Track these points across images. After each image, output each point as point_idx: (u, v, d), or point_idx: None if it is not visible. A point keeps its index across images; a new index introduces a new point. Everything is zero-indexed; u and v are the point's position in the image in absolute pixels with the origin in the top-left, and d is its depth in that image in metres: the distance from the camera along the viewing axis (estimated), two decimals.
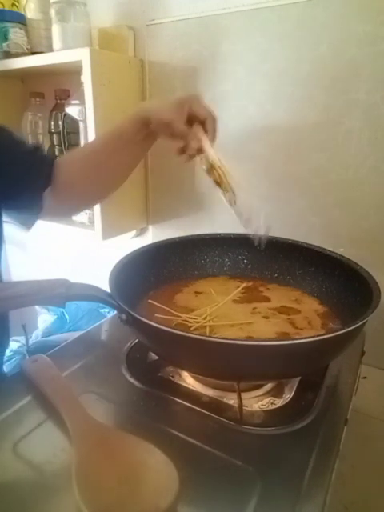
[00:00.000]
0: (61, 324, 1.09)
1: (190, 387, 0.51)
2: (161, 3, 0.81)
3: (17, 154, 0.57)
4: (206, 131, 0.54)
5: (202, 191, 0.87)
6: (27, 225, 0.64)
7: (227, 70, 0.76)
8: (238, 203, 0.53)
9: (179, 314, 0.55)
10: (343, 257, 0.58)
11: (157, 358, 0.55)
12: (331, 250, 0.60)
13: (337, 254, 0.59)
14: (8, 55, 0.87)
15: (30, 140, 0.96)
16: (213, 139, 0.55)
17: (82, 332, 0.65)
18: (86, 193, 0.64)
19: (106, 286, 0.47)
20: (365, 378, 0.70)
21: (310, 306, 0.59)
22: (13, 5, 0.89)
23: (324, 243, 0.62)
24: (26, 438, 0.42)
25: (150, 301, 0.58)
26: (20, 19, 0.86)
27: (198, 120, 0.53)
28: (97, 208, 0.84)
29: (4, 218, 0.60)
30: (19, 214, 0.62)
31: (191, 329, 0.52)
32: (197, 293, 0.62)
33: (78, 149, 0.65)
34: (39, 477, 0.38)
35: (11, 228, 0.63)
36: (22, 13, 0.87)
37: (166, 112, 0.52)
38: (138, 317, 0.43)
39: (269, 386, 0.51)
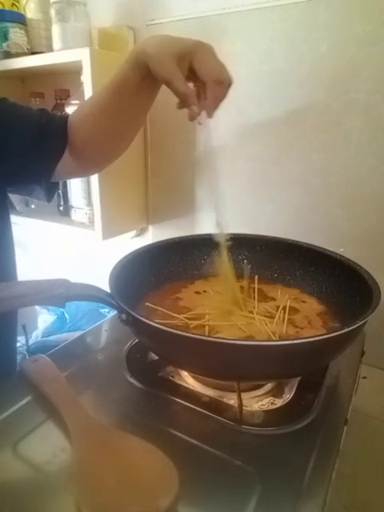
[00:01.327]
0: (61, 324, 1.09)
1: (190, 387, 0.51)
2: (161, 3, 0.81)
3: (26, 124, 0.54)
4: (205, 98, 0.46)
5: (202, 191, 0.87)
6: (48, 196, 0.62)
7: None
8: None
9: (177, 315, 0.55)
10: (343, 257, 0.58)
11: (157, 358, 0.55)
12: (331, 249, 0.60)
13: (337, 254, 0.59)
14: (8, 55, 0.87)
15: None
16: (211, 108, 0.47)
17: (82, 332, 0.65)
18: (104, 149, 0.59)
19: (105, 286, 0.47)
20: (365, 378, 0.70)
21: (310, 306, 0.59)
22: (13, 5, 0.89)
23: (324, 243, 0.62)
24: (25, 437, 0.42)
25: (147, 304, 0.58)
26: (20, 19, 0.86)
27: (200, 80, 0.45)
28: (97, 208, 0.84)
29: (13, 220, 0.60)
30: (36, 187, 0.60)
31: (191, 328, 0.52)
32: (197, 293, 0.62)
33: (85, 104, 0.58)
34: (39, 477, 0.38)
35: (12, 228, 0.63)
36: (22, 13, 0.87)
37: (163, 66, 0.44)
38: (138, 317, 0.43)
39: (269, 386, 0.51)
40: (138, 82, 0.50)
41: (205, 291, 0.63)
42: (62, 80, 0.96)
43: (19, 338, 1.05)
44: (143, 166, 0.93)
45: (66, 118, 0.57)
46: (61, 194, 0.96)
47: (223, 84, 0.46)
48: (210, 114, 0.47)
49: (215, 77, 0.45)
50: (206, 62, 0.45)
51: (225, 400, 0.49)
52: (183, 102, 0.47)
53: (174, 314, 0.55)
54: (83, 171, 0.65)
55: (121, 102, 0.52)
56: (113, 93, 0.52)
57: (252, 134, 0.77)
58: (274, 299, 0.61)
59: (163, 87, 0.47)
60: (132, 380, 0.51)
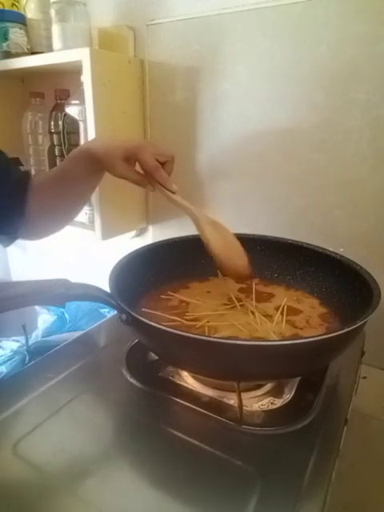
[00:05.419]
0: (61, 324, 1.09)
1: (190, 387, 0.51)
2: (161, 3, 0.81)
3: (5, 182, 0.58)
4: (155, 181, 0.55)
5: (202, 191, 0.87)
6: (4, 242, 0.64)
7: (227, 70, 0.76)
8: None
9: (176, 317, 0.55)
10: (343, 257, 0.58)
11: (157, 358, 0.55)
12: (331, 250, 0.60)
13: (337, 254, 0.59)
14: (8, 55, 0.87)
15: (30, 140, 0.96)
16: (166, 186, 0.55)
17: (82, 332, 0.65)
18: (54, 218, 0.66)
19: (105, 286, 0.47)
20: (365, 378, 0.70)
21: (310, 306, 0.59)
22: (13, 5, 0.89)
23: (324, 243, 0.62)
24: (25, 437, 0.42)
25: (144, 309, 0.58)
26: (20, 19, 0.86)
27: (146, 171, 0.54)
28: (97, 208, 0.84)
29: None
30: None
31: (195, 329, 0.52)
32: (197, 293, 0.62)
33: (45, 175, 0.65)
34: (39, 477, 0.38)
35: None
36: (22, 13, 0.87)
37: (116, 169, 0.54)
38: (138, 317, 0.43)
39: (269, 386, 0.51)
40: (82, 175, 0.58)
41: (205, 291, 0.63)
42: (62, 80, 0.95)
43: (19, 338, 1.05)
44: None
45: (27, 181, 0.61)
46: None
47: (166, 166, 0.55)
48: (169, 188, 0.56)
49: (153, 168, 0.53)
50: (145, 162, 0.53)
51: (225, 400, 0.49)
52: (139, 185, 0.56)
53: (174, 316, 0.55)
54: (35, 234, 0.67)
55: (67, 189, 0.61)
56: (59, 182, 0.60)
57: (252, 133, 0.77)
58: (273, 299, 0.61)
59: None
60: (132, 380, 0.51)
